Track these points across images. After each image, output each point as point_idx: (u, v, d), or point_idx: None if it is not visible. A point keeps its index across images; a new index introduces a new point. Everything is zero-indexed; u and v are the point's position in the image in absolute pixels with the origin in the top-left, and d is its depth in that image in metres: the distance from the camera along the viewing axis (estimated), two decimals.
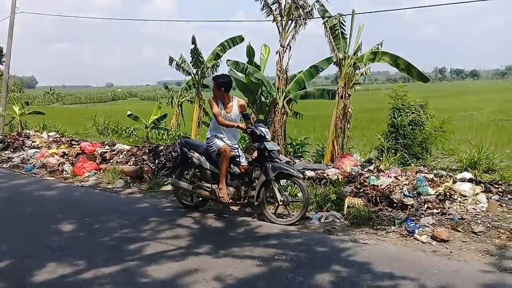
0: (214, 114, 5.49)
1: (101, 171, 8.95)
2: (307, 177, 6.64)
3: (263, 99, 12.81)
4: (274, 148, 5.44)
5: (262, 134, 5.40)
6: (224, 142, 5.58)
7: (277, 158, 5.45)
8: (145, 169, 7.99)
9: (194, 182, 5.92)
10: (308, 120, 25.67)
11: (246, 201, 5.64)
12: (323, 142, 15.50)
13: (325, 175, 6.65)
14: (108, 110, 47.59)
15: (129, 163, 9.02)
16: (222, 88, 5.48)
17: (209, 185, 5.69)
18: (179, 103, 20.14)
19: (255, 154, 5.72)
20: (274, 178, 5.33)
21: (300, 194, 5.99)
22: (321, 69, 11.51)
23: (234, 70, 12.88)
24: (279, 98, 12.00)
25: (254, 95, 13.07)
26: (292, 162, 7.75)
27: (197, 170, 5.97)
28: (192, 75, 15.08)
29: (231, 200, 5.58)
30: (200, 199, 6.08)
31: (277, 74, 12.13)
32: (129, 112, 16.88)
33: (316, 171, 6.90)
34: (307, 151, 13.50)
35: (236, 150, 5.69)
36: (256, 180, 5.55)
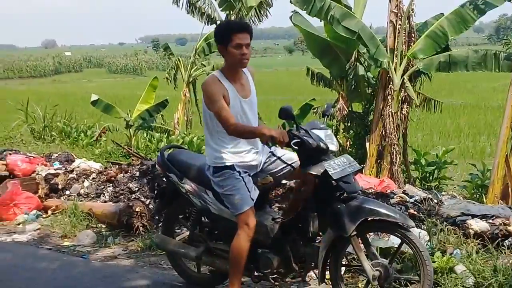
0: (220, 115, 5.22)
1: (50, 211, 9.02)
2: (472, 232, 6.45)
3: (361, 71, 12.82)
4: (347, 169, 5.16)
5: (322, 144, 5.15)
6: (252, 189, 5.38)
7: (354, 190, 5.22)
8: (137, 209, 7.99)
9: (200, 240, 5.92)
10: (445, 115, 25.38)
11: (301, 274, 5.57)
12: (481, 159, 15.27)
13: (510, 229, 6.41)
14: (50, 91, 49.36)
15: (103, 197, 9.08)
16: (238, 41, 5.22)
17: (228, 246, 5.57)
18: (191, 79, 20.32)
19: (306, 185, 5.51)
20: (355, 233, 5.13)
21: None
22: (487, 8, 11.34)
23: (302, 15, 12.88)
24: (395, 69, 11.91)
25: (343, 64, 13.04)
26: (437, 201, 7.48)
27: (203, 214, 5.94)
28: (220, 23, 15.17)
29: (275, 276, 5.56)
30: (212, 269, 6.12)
31: (391, 22, 12.07)
32: (95, 97, 17.20)
33: (491, 220, 6.66)
34: (450, 178, 13.26)
35: (271, 157, 5.62)
36: (317, 235, 5.46)
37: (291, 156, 5.58)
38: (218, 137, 5.40)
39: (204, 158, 5.73)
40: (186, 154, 6.17)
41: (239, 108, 5.36)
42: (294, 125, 5.22)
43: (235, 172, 5.36)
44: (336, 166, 5.08)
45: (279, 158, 5.59)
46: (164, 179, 6.22)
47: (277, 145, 5.33)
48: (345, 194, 5.18)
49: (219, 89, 5.26)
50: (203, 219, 5.99)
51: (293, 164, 5.54)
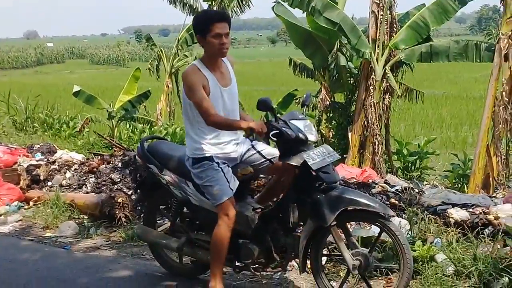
0: (200, 106, 5.23)
1: (31, 203, 9.00)
2: (452, 220, 6.47)
3: (343, 62, 12.81)
4: (326, 160, 5.16)
5: (300, 135, 5.17)
6: (231, 179, 5.38)
7: (333, 180, 5.24)
8: (119, 200, 7.97)
9: (181, 231, 5.92)
10: (427, 105, 25.53)
11: (282, 264, 5.57)
12: (463, 149, 15.36)
13: (490, 217, 6.43)
14: (32, 82, 49.05)
15: (85, 188, 9.06)
16: (217, 31, 5.20)
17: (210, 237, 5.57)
18: (173, 70, 20.27)
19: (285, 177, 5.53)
20: (335, 223, 5.16)
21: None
22: None
23: (285, 5, 12.88)
24: (377, 60, 11.93)
25: (325, 55, 13.04)
26: (418, 190, 7.51)
27: (183, 205, 5.92)
28: None
29: (256, 267, 5.56)
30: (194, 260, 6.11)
31: (373, 12, 12.09)
32: (77, 88, 17.11)
33: (471, 209, 6.69)
34: (432, 168, 13.32)
35: (251, 150, 5.58)
36: (298, 226, 5.47)
37: (271, 151, 5.55)
38: (198, 127, 5.38)
39: (185, 149, 5.71)
40: (167, 145, 6.15)
41: (219, 97, 5.35)
42: (273, 117, 5.25)
43: (213, 163, 5.35)
44: (315, 157, 5.07)
45: (258, 152, 5.55)
46: (144, 170, 6.19)
47: (259, 138, 5.33)
48: (324, 184, 5.20)
49: (199, 78, 5.24)
50: (184, 210, 5.99)
51: (272, 159, 5.52)
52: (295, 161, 5.13)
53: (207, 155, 5.36)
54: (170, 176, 5.73)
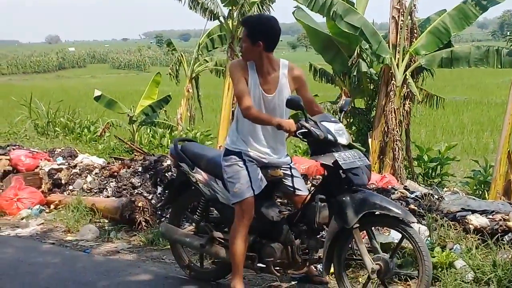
0: (238, 97, 5.37)
1: (53, 206, 9.13)
2: (472, 227, 6.46)
3: (363, 67, 12.79)
4: (357, 162, 5.21)
5: (329, 136, 5.21)
6: (256, 179, 5.45)
7: (362, 183, 5.27)
8: (139, 204, 8.03)
9: (206, 230, 6.00)
10: (448, 111, 25.33)
11: (305, 269, 5.65)
12: (484, 155, 15.24)
13: (510, 224, 6.41)
14: (54, 87, 49.33)
15: (106, 192, 9.17)
16: (261, 42, 5.34)
17: None
18: (194, 75, 20.31)
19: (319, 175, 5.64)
20: (358, 225, 5.18)
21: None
22: (489, 5, 11.36)
23: (305, 10, 12.90)
24: (397, 65, 11.91)
25: (346, 60, 13.04)
26: (437, 196, 7.49)
27: (210, 204, 6.03)
28: (222, 19, 15.15)
29: (277, 268, 5.62)
30: (216, 261, 6.17)
31: (394, 18, 12.08)
32: (98, 92, 17.19)
33: (491, 216, 6.67)
34: (453, 174, 13.26)
35: (286, 168, 5.70)
36: (323, 227, 5.51)
37: (301, 185, 5.71)
38: (241, 122, 5.47)
39: (215, 151, 5.94)
40: (198, 146, 6.33)
41: (257, 99, 5.40)
42: (303, 116, 5.29)
43: (240, 160, 5.44)
44: (346, 158, 5.14)
45: (292, 176, 5.68)
46: (174, 169, 6.30)
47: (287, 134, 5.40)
48: (353, 187, 5.24)
49: (240, 71, 5.38)
50: (210, 211, 6.10)
51: (296, 190, 5.65)
52: (326, 160, 5.18)
53: (236, 150, 5.46)
54: (200, 174, 5.86)
